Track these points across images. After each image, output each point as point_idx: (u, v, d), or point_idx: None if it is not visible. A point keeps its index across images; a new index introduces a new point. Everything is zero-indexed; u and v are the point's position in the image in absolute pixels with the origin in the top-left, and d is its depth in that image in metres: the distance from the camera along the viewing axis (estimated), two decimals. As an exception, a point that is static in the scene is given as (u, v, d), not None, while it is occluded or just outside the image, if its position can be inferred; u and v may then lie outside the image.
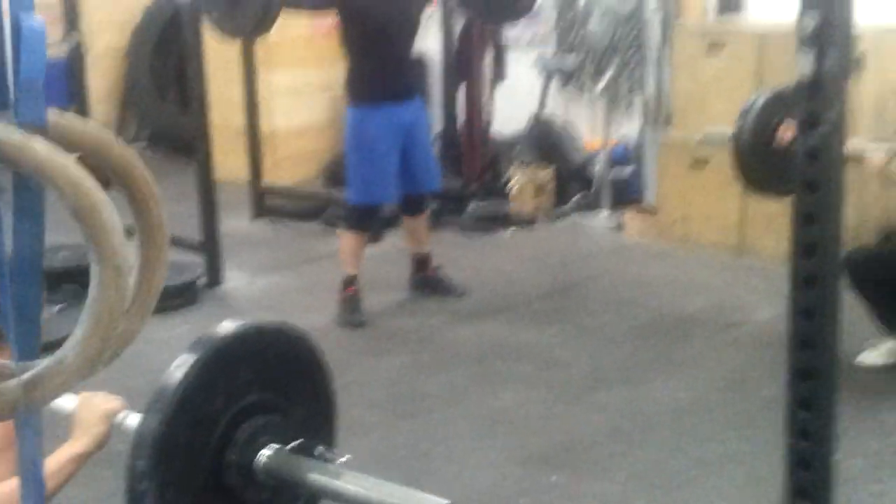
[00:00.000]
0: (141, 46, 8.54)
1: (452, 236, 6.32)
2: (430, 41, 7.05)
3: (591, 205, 6.70)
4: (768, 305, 4.98)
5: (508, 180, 6.82)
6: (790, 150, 4.00)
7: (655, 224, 6.24)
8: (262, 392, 1.65)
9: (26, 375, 1.05)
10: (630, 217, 6.41)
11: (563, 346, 4.68)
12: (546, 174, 6.76)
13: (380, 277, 5.40)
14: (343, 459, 1.69)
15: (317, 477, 1.66)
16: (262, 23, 4.10)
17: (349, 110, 5.00)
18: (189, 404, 1.56)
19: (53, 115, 1.03)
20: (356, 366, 4.42)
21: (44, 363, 1.06)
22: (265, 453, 1.65)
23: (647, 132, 6.64)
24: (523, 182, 6.71)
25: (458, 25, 7.00)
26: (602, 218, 6.58)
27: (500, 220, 6.56)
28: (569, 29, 6.99)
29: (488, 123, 7.09)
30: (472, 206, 6.68)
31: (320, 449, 1.70)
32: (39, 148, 0.98)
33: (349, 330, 4.90)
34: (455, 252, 5.91)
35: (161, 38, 8.44)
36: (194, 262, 5.43)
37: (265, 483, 1.66)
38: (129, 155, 1.09)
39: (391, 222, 5.89)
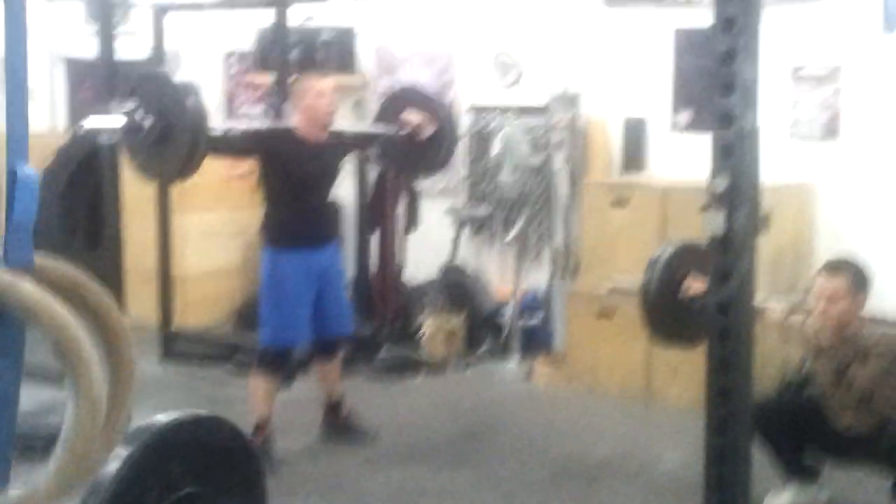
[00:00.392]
0: (51, 187, 8.50)
1: (364, 381, 6.32)
2: (344, 187, 7.19)
3: (501, 352, 6.78)
4: (675, 452, 5.08)
5: (420, 326, 6.89)
6: (696, 302, 4.17)
7: (564, 372, 6.35)
8: (196, 484, 1.64)
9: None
10: (539, 364, 6.51)
11: (475, 491, 4.68)
12: (457, 321, 6.85)
13: (291, 422, 5.37)
14: None
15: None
16: (187, 166, 4.17)
17: (265, 252, 5.04)
18: (124, 496, 1.54)
19: (38, 258, 1.08)
20: (268, 512, 4.36)
21: (18, 491, 1.08)
22: None
23: (556, 281, 6.80)
24: (435, 328, 6.79)
25: (373, 173, 7.17)
26: (512, 365, 6.66)
27: (411, 366, 6.61)
28: (480, 180, 7.21)
29: (401, 270, 7.19)
30: (384, 352, 6.71)
31: None
32: (27, 288, 1.02)
33: (260, 475, 4.85)
34: (367, 397, 5.91)
35: (71, 180, 8.42)
36: (102, 405, 5.33)
37: None
38: (105, 297, 1.14)
39: (303, 366, 5.89)
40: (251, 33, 7.66)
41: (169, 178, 4.75)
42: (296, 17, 6.92)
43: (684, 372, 5.70)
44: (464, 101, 7.23)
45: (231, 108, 8.42)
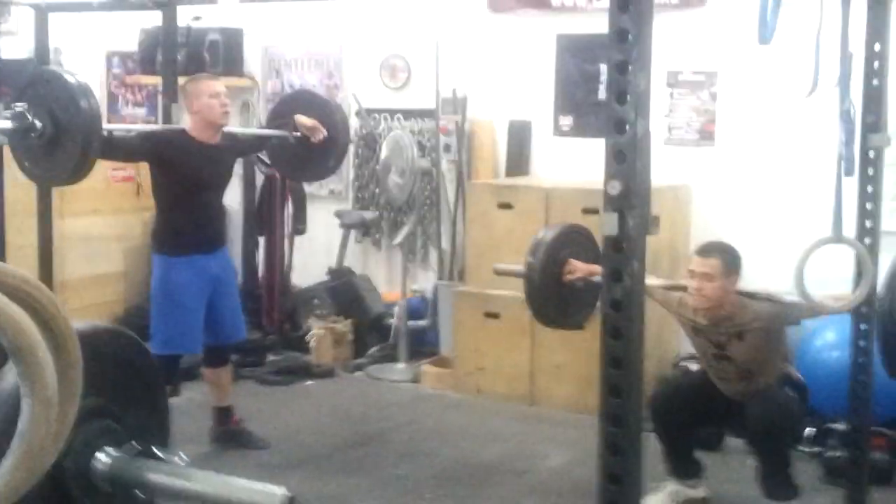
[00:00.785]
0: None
1: (252, 388, 6.28)
2: (231, 193, 7.13)
3: (388, 356, 6.81)
4: (559, 452, 5.20)
5: (307, 332, 6.88)
6: (576, 285, 4.31)
7: (451, 375, 6.40)
8: (95, 396, 1.61)
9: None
10: (427, 368, 6.56)
11: (365, 497, 4.70)
12: (344, 326, 6.86)
13: (180, 431, 5.26)
14: (180, 458, 1.70)
15: (156, 477, 1.67)
16: (80, 169, 4.07)
17: (156, 259, 4.97)
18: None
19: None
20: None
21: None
22: (101, 458, 1.63)
23: (442, 285, 6.86)
24: (322, 334, 6.78)
25: (260, 176, 7.13)
26: (400, 369, 6.68)
27: (299, 372, 6.58)
28: (368, 183, 7.25)
29: (288, 275, 7.17)
30: (272, 358, 6.68)
31: (156, 450, 1.70)
32: (-19, 291, 1.04)
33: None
34: (255, 404, 5.87)
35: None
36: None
37: (102, 488, 1.64)
38: (52, 298, 1.16)
39: (189, 374, 5.79)
40: (134, 33, 7.52)
41: (59, 182, 4.62)
42: (182, 18, 6.81)
43: (566, 374, 5.84)
44: (352, 104, 7.25)
45: (113, 110, 8.25)
